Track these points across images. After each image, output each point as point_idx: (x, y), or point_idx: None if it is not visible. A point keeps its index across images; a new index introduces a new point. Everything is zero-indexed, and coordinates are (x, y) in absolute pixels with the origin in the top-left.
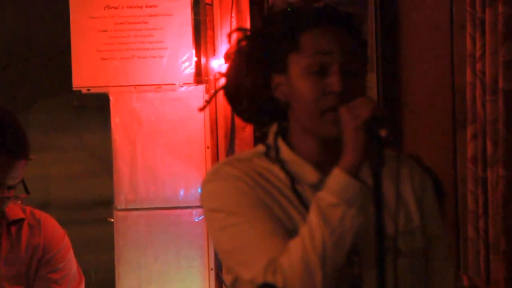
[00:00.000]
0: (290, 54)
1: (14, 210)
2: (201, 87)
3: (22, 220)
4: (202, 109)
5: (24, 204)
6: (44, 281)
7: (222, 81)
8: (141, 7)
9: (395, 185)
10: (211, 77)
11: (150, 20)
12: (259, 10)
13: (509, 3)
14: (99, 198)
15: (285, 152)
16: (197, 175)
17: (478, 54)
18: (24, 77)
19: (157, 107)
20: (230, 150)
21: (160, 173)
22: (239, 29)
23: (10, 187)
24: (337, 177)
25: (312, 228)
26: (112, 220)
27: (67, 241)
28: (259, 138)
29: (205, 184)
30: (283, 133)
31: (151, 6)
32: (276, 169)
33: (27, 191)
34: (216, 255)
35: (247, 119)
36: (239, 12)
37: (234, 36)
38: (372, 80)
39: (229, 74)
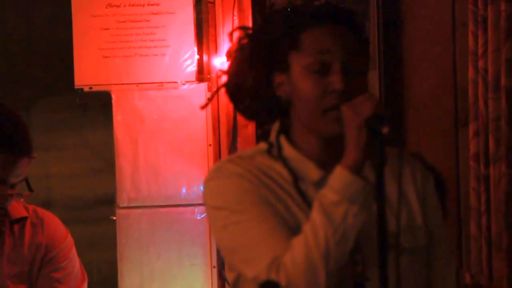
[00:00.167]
0: (291, 53)
1: (17, 208)
2: (203, 85)
3: (25, 218)
4: (203, 107)
5: (27, 203)
6: (46, 279)
7: (224, 79)
8: (143, 5)
9: (397, 182)
10: (213, 75)
11: (152, 18)
12: (260, 9)
13: (511, 0)
14: (101, 196)
15: (288, 149)
16: (199, 173)
17: (480, 51)
18: (26, 75)
19: (159, 105)
20: (232, 148)
21: (162, 171)
22: (240, 28)
23: (13, 185)
24: (340, 175)
25: (315, 226)
26: (115, 218)
27: (70, 240)
28: (261, 136)
29: (207, 182)
30: (285, 130)
31: (153, 4)
32: (278, 167)
33: (30, 189)
34: (218, 253)
35: (249, 117)
36: (241, 10)
37: (236, 35)
38: (374, 78)
39: (231, 73)
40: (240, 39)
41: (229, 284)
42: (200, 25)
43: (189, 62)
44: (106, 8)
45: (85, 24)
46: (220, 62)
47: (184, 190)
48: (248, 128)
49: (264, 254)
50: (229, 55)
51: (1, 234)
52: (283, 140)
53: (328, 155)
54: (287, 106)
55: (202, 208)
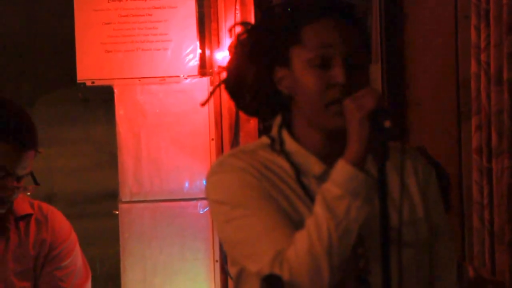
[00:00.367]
0: (292, 48)
1: (22, 205)
2: (206, 79)
3: (30, 215)
4: (204, 103)
5: (31, 197)
6: (49, 277)
7: (224, 75)
8: None
9: (399, 176)
10: (215, 69)
11: (154, 12)
12: (262, 3)
13: None
14: (104, 190)
15: (290, 143)
16: (202, 167)
17: (482, 45)
18: (28, 70)
19: (161, 99)
20: (234, 142)
21: (164, 165)
22: (241, 23)
23: (19, 178)
24: (342, 169)
25: (318, 220)
26: (117, 213)
27: (73, 237)
28: (263, 130)
29: (210, 176)
30: (287, 124)
31: None
32: (281, 161)
33: (36, 182)
34: (221, 247)
35: (250, 113)
36: (243, 4)
37: (238, 29)
38: (376, 71)
39: (231, 69)
40: (240, 34)
41: (231, 278)
42: (202, 19)
43: (191, 56)
44: (108, 2)
45: (87, 19)
46: (222, 56)
47: (186, 185)
48: (250, 123)
49: (267, 248)
50: (230, 50)
51: (6, 231)
52: (285, 134)
53: (330, 149)
54: (289, 100)
55: (204, 202)
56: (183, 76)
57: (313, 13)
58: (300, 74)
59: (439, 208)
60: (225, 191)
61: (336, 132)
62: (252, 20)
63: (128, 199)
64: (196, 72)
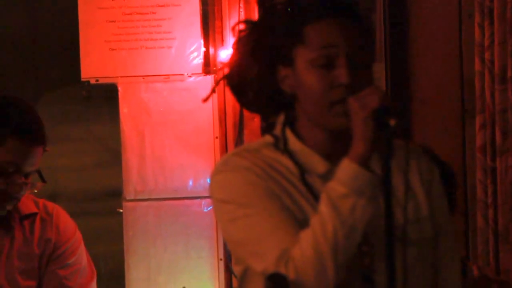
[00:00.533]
0: (295, 47)
1: (27, 204)
2: (210, 77)
3: (35, 214)
4: (205, 99)
5: (36, 195)
6: (53, 276)
7: (227, 73)
8: None
9: (404, 175)
10: (219, 67)
11: (158, 10)
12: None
13: None
14: (108, 189)
15: (293, 142)
16: (206, 166)
17: (486, 43)
18: (33, 68)
19: (165, 97)
20: (239, 140)
21: (168, 163)
22: (244, 21)
23: (27, 175)
24: (347, 167)
25: (323, 219)
26: (121, 211)
27: (78, 236)
28: (265, 129)
29: (214, 175)
30: (290, 123)
31: None
32: (284, 160)
33: (43, 180)
34: (225, 245)
35: (253, 111)
36: (247, 2)
37: (240, 28)
38: (380, 70)
39: (234, 67)
40: (242, 33)
41: (236, 277)
42: (206, 17)
43: (195, 54)
44: (112, 0)
45: (91, 17)
46: (227, 54)
47: (190, 183)
48: (254, 121)
49: (272, 247)
50: (234, 47)
51: (11, 230)
52: (289, 133)
53: (334, 148)
54: (292, 99)
55: (208, 200)
56: (187, 74)
57: (316, 13)
58: (304, 74)
59: (442, 206)
60: (229, 190)
61: (340, 131)
62: (256, 17)
63: (132, 197)
64: (200, 70)
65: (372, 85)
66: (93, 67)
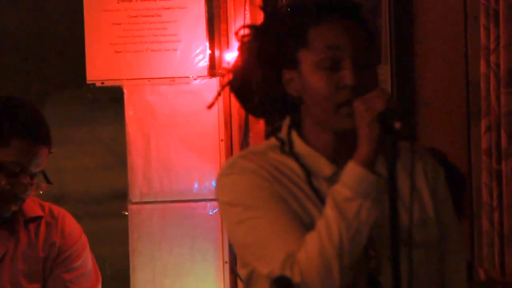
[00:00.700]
0: (299, 50)
1: (33, 207)
2: (215, 80)
3: (40, 217)
4: (210, 106)
5: (42, 197)
6: (58, 280)
7: (230, 77)
8: (155, 0)
9: (409, 177)
10: (225, 70)
11: (163, 13)
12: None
13: None
14: (113, 191)
15: (299, 145)
16: (211, 168)
17: (492, 45)
18: (38, 70)
19: (171, 100)
20: (244, 143)
21: (174, 166)
22: (247, 26)
23: (32, 175)
24: (352, 170)
25: (329, 222)
26: (127, 213)
27: (83, 239)
28: (270, 133)
29: (220, 178)
30: (296, 126)
31: None
32: (290, 163)
33: (48, 181)
34: (230, 248)
35: (258, 116)
36: (252, 4)
37: (245, 31)
38: (385, 72)
39: (238, 72)
40: (246, 38)
41: (241, 279)
42: (211, 20)
43: (200, 57)
44: (118, 2)
45: (96, 19)
46: (232, 57)
47: (196, 185)
48: (260, 123)
49: (278, 250)
50: (238, 52)
51: (16, 233)
52: (295, 136)
53: (340, 150)
54: (298, 102)
55: (214, 203)
56: (193, 76)
57: (319, 15)
58: (309, 77)
59: (448, 208)
60: (236, 193)
61: (346, 133)
62: (261, 20)
63: (137, 200)
64: (205, 72)
65: (377, 87)
66: (98, 69)
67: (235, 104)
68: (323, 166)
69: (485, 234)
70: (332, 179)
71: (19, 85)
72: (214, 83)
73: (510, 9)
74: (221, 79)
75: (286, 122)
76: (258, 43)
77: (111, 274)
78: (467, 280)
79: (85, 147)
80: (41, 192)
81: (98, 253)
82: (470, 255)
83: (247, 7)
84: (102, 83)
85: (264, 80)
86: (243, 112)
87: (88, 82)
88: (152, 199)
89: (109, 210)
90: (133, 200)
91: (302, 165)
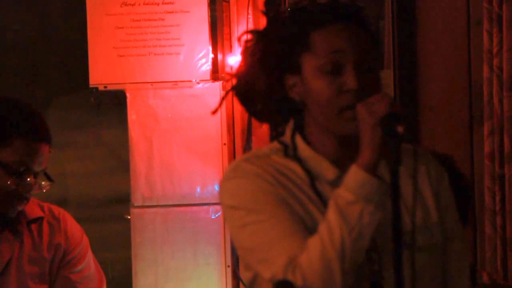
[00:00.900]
0: (302, 55)
1: (33, 208)
2: (218, 84)
3: (41, 218)
4: (215, 111)
5: (45, 197)
6: (65, 281)
7: (234, 82)
8: (158, 4)
9: (412, 180)
10: (227, 75)
11: (166, 17)
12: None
13: None
14: (116, 195)
15: (303, 149)
16: (214, 172)
17: (495, 50)
18: (41, 74)
19: (173, 104)
20: (247, 147)
21: (176, 170)
22: (250, 31)
23: (36, 174)
24: (355, 174)
25: (331, 226)
26: (129, 217)
27: (85, 239)
28: (275, 136)
29: (224, 181)
30: (299, 129)
31: (167, 3)
32: (294, 166)
33: (50, 179)
34: (233, 252)
35: (262, 120)
36: (255, 8)
37: (248, 36)
38: (389, 76)
39: (241, 76)
40: (249, 43)
41: (243, 283)
42: (214, 24)
43: (203, 61)
44: (121, 6)
45: (99, 23)
46: (235, 61)
47: (198, 189)
48: (262, 127)
49: (281, 254)
50: (241, 56)
51: (20, 235)
52: (299, 140)
53: (344, 154)
54: (301, 106)
55: (216, 207)
56: (195, 80)
57: (321, 19)
58: (312, 81)
59: (451, 211)
60: (239, 197)
61: (349, 137)
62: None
63: (140, 204)
64: (208, 76)
65: (380, 91)
66: (101, 73)
67: (238, 108)
68: (327, 170)
69: (487, 238)
70: (336, 183)
71: (23, 89)
72: (217, 87)
73: None
74: (224, 83)
75: (290, 125)
76: (260, 47)
77: (114, 278)
78: (471, 284)
79: (88, 151)
80: (44, 191)
81: (101, 257)
82: (473, 259)
83: (249, 11)
84: (105, 87)
85: (267, 84)
86: (245, 116)
87: (91, 86)
88: (154, 203)
89: (111, 213)
90: (136, 204)
91: (306, 169)
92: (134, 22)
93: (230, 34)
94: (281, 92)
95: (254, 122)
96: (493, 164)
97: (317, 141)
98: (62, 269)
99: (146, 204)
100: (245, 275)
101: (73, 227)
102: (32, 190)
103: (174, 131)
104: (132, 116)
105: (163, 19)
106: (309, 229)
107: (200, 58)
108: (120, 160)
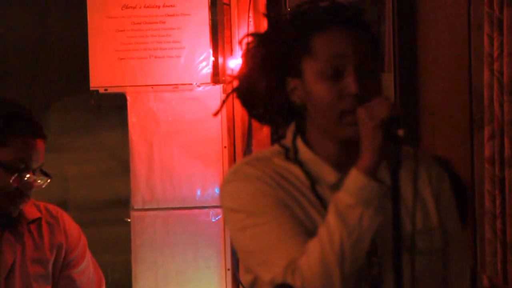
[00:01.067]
0: (303, 58)
1: (30, 209)
2: (218, 87)
3: (39, 219)
4: (216, 113)
5: (44, 197)
6: (69, 280)
7: (236, 85)
8: (159, 6)
9: (413, 184)
10: (228, 78)
11: (167, 20)
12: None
13: None
14: (116, 198)
15: (304, 152)
16: (214, 175)
17: (495, 54)
18: (42, 77)
19: (174, 107)
20: (247, 150)
21: (177, 173)
22: (251, 34)
23: (34, 171)
24: (355, 178)
25: (330, 229)
26: (129, 220)
27: (83, 238)
28: (276, 139)
29: (225, 184)
30: (301, 133)
31: (168, 6)
32: (295, 169)
33: (48, 175)
34: (233, 255)
35: (263, 123)
36: (256, 12)
37: (249, 39)
38: (389, 80)
39: (242, 80)
40: (250, 46)
41: (243, 286)
42: (215, 27)
43: (204, 64)
44: (122, 9)
45: (100, 26)
46: (236, 64)
47: (199, 192)
48: (263, 131)
49: (280, 257)
50: (242, 59)
51: (21, 236)
52: (300, 143)
53: (345, 158)
54: (302, 110)
55: (217, 210)
56: (196, 83)
57: (322, 23)
58: (313, 85)
59: (452, 214)
60: (240, 200)
61: (350, 141)
62: (265, 27)
63: (140, 207)
64: (209, 79)
65: (381, 94)
66: (102, 76)
67: (239, 111)
68: (328, 173)
69: (487, 242)
70: (337, 186)
71: (24, 91)
72: (217, 90)
73: None
74: (225, 86)
75: (291, 128)
76: (261, 50)
77: (113, 281)
78: (471, 287)
79: (88, 154)
80: (43, 187)
81: (101, 259)
82: (473, 263)
83: (250, 14)
84: (106, 89)
85: (268, 87)
86: (246, 119)
87: (91, 88)
88: (154, 206)
89: (111, 216)
90: (136, 207)
91: (307, 172)
92: (135, 25)
93: (230, 37)
94: (282, 95)
95: (255, 125)
96: (494, 167)
97: (318, 144)
98: (65, 268)
99: (146, 207)
100: (245, 278)
101: (71, 226)
102: (32, 188)
103: (175, 134)
104: (132, 118)
105: (164, 22)
106: (310, 232)
107: (201, 61)
108: (120, 163)
